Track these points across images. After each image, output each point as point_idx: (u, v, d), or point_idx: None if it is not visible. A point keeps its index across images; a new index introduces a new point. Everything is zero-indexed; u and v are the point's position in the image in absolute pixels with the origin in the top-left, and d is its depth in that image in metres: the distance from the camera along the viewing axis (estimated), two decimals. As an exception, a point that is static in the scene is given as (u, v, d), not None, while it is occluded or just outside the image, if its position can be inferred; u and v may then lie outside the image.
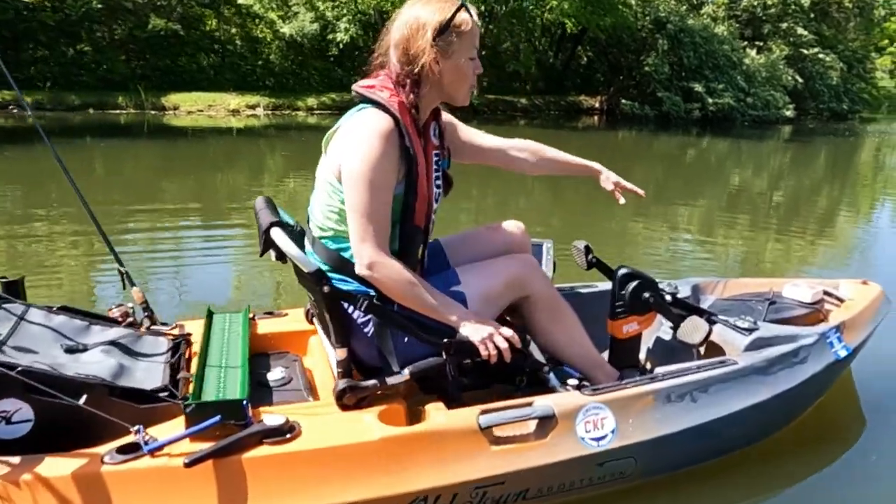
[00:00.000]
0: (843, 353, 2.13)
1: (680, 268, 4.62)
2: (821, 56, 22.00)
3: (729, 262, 4.96)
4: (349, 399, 1.66)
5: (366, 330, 1.75)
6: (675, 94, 18.84)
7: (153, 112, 14.77)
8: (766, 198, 7.92)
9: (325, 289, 1.63)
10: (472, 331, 1.68)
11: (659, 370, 1.88)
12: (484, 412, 1.65)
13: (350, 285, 1.72)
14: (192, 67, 16.90)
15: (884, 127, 21.09)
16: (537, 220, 6.30)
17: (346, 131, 1.67)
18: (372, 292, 1.70)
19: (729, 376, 1.88)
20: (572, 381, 1.82)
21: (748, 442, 2.04)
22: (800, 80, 20.84)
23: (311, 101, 16.74)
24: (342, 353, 1.71)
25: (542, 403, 1.69)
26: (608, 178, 2.15)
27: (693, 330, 2.14)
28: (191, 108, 15.12)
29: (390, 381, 1.70)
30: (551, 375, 1.83)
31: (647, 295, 2.11)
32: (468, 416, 1.64)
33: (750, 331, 2.08)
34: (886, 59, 36.64)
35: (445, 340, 1.69)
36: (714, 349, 2.13)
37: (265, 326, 2.15)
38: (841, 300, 2.46)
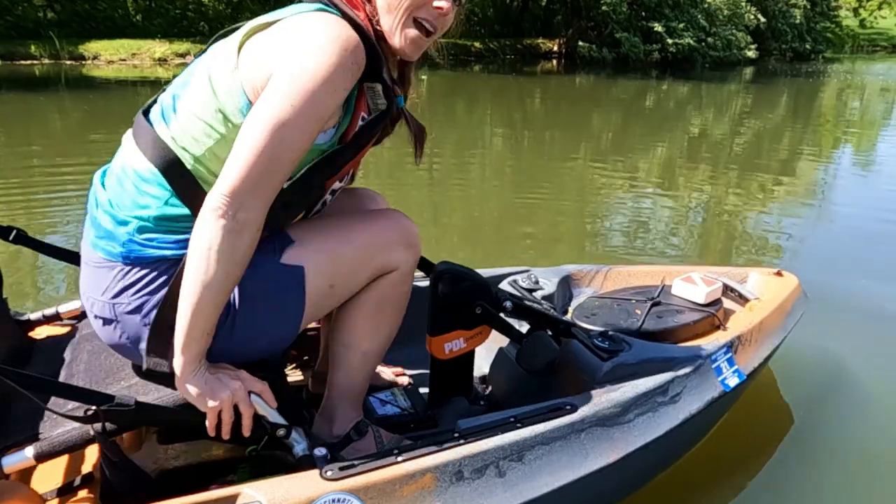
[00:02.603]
0: (733, 383, 1.58)
1: (636, 221, 4.22)
2: (784, -8, 21.29)
3: (689, 216, 4.50)
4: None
5: None
6: (634, 34, 18.00)
7: (70, 62, 13.57)
8: (727, 146, 7.42)
9: None
10: (199, 388, 1.10)
11: (462, 423, 1.31)
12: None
13: None
14: (115, 13, 15.55)
15: (847, 67, 20.56)
16: (492, 168, 5.83)
17: (286, 32, 1.08)
18: None
19: (558, 434, 1.31)
20: (320, 451, 1.22)
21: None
22: (762, 19, 20.07)
23: (248, 47, 15.61)
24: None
25: (249, 500, 1.11)
26: None
27: (536, 351, 1.58)
28: (112, 56, 13.92)
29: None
30: (295, 437, 1.24)
31: (475, 304, 1.55)
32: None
33: (611, 353, 1.51)
34: (852, -3, 35.86)
35: (94, 409, 1.08)
36: (570, 375, 1.57)
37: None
38: (745, 299, 1.90)
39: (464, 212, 4.42)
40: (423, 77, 14.02)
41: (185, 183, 1.11)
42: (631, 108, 11.12)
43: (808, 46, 22.34)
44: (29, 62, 13.34)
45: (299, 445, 1.23)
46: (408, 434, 1.51)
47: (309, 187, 1.18)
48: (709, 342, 1.63)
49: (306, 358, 1.84)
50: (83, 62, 13.71)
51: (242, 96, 1.07)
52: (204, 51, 1.20)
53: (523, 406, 1.37)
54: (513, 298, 1.62)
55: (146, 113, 1.20)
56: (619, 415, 1.39)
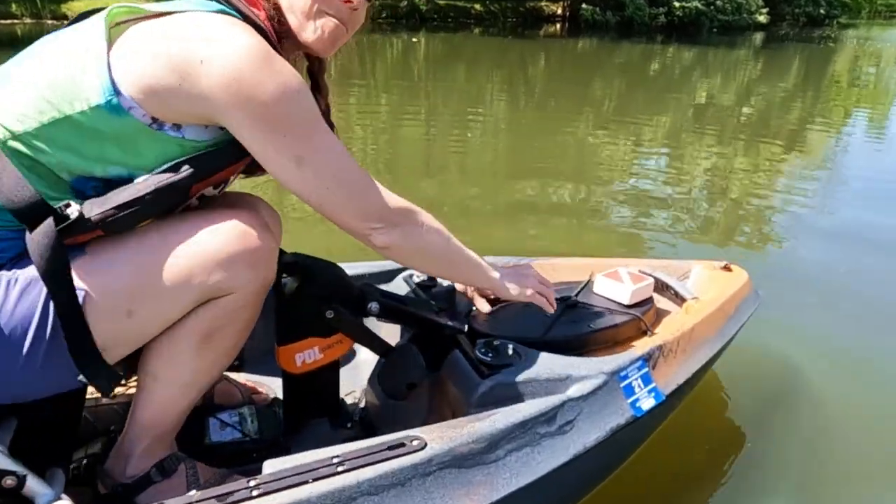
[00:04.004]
0: (647, 405, 1.27)
1: (638, 194, 3.91)
2: (800, -47, 20.40)
3: (690, 190, 4.15)
4: None
5: None
6: (640, -4, 17.36)
7: (52, 21, 13.19)
8: (732, 116, 7.08)
9: None
10: (517, 285, 1.30)
11: (268, 467, 1.01)
12: None
13: None
14: (102, -31, 15.03)
15: (863, 33, 19.77)
16: (491, 133, 5.60)
17: (188, 39, 0.91)
18: None
19: (395, 479, 1.01)
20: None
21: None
22: (776, -19, 19.37)
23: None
24: None
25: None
26: None
27: (395, 370, 1.30)
28: (96, 16, 13.52)
29: None
30: (35, 487, 0.95)
31: (326, 307, 1.25)
32: None
33: (492, 369, 1.22)
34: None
35: None
36: (448, 396, 1.28)
37: None
38: (682, 298, 1.59)
39: (458, 174, 4.20)
40: (415, 39, 13.55)
41: None
42: (634, 74, 10.69)
43: (822, 11, 21.48)
44: (10, 21, 12.97)
45: (43, 497, 0.95)
46: (240, 469, 1.23)
47: (167, 187, 0.94)
48: (623, 353, 1.32)
49: None
50: (64, 22, 13.29)
51: (106, 77, 0.89)
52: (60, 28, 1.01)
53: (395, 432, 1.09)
54: (384, 299, 1.32)
55: None
56: (483, 451, 1.09)
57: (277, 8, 1.03)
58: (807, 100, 8.52)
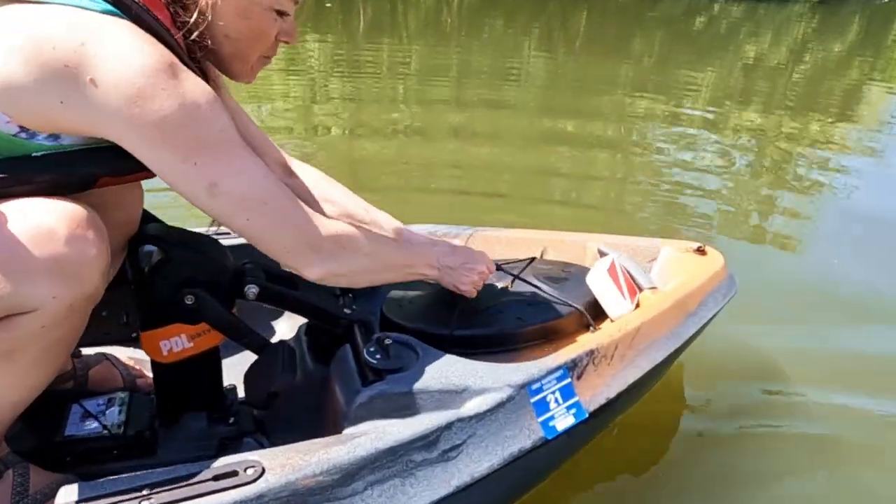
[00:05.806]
0: (563, 425, 1.04)
1: (670, 164, 3.61)
2: None
3: (734, 157, 3.81)
4: None
5: None
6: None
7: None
8: (781, 80, 6.57)
9: None
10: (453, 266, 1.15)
11: (62, 495, 0.83)
12: None
13: None
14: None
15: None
16: (523, 95, 5.27)
17: (68, 44, 0.77)
18: None
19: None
20: None
21: None
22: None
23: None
24: None
25: None
26: None
27: (266, 369, 1.10)
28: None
29: None
30: None
31: (185, 291, 1.05)
32: None
33: (378, 374, 1.01)
34: None
35: None
36: (331, 404, 1.08)
37: None
38: (639, 287, 1.33)
39: (488, 137, 3.94)
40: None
41: None
42: (678, 29, 10.10)
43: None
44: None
45: None
46: (93, 469, 1.06)
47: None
48: (540, 360, 1.09)
49: None
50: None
51: None
52: None
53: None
54: (268, 281, 1.12)
55: None
56: (337, 484, 0.88)
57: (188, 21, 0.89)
58: (864, 65, 7.86)
